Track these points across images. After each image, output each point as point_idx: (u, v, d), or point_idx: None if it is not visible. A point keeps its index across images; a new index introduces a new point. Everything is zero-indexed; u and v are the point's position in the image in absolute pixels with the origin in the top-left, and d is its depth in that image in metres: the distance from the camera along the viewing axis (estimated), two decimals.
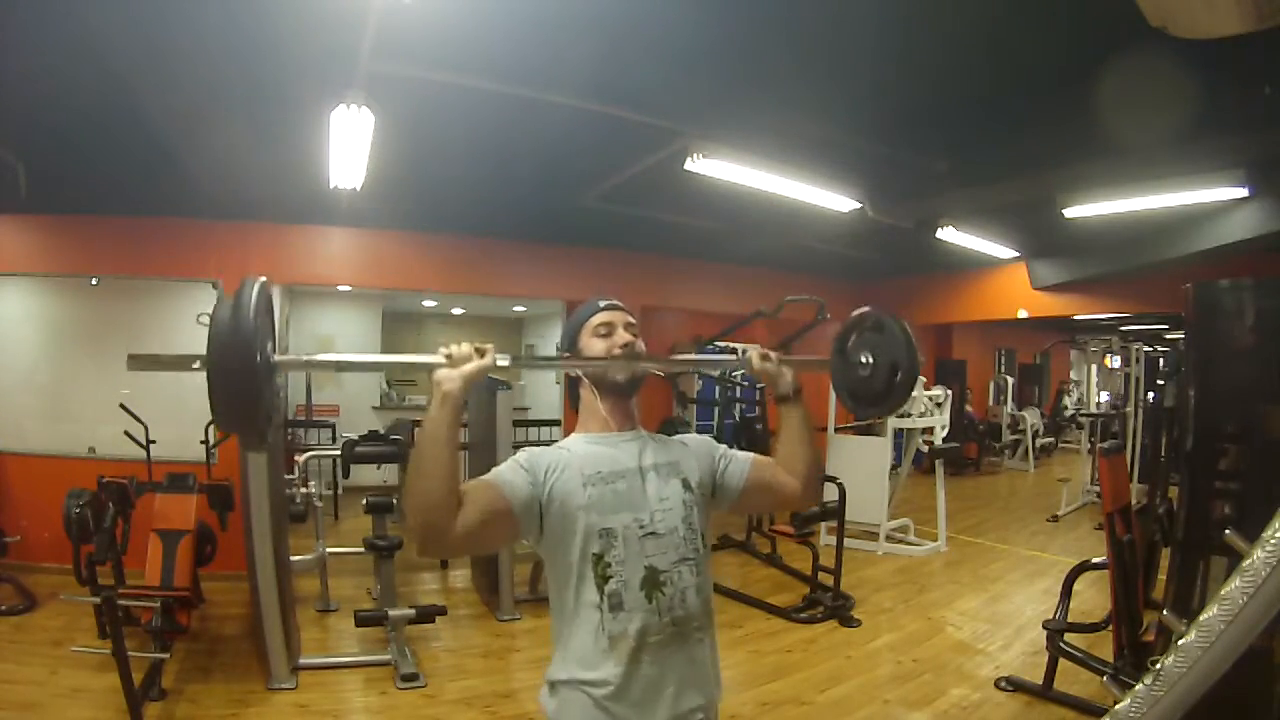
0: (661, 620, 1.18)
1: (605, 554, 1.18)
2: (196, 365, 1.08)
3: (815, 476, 1.41)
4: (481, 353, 1.17)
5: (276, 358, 1.18)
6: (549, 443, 1.35)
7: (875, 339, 1.50)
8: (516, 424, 5.59)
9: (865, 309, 1.54)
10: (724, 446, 1.42)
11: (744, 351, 1.41)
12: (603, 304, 1.38)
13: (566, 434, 1.39)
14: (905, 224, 4.55)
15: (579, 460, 1.24)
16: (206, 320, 1.09)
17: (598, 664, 1.17)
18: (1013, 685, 3.26)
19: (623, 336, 1.33)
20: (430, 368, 1.15)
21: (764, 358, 1.40)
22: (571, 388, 1.38)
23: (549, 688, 1.23)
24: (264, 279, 1.14)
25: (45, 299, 4.78)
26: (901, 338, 1.44)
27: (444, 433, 1.11)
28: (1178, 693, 1.43)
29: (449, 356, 1.15)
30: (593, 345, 1.33)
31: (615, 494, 1.22)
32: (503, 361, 1.20)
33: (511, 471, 1.20)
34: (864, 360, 1.51)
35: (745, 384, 6.75)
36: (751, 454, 1.42)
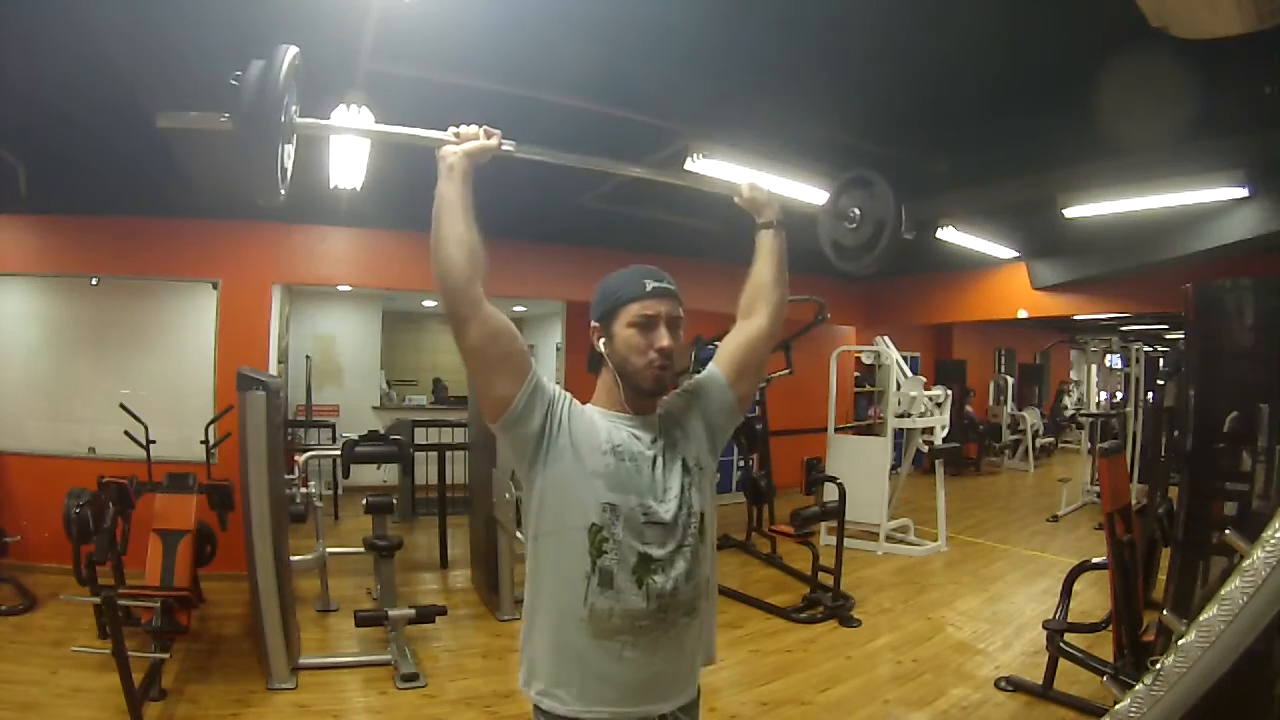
0: (649, 606, 1.16)
1: (605, 528, 1.16)
2: (224, 118, 1.16)
3: (781, 306, 1.44)
4: (489, 135, 1.22)
5: (298, 120, 1.25)
6: None
7: (864, 197, 1.62)
8: None
9: (856, 172, 1.65)
10: (699, 382, 1.39)
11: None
12: (650, 286, 1.24)
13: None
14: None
15: (602, 428, 1.23)
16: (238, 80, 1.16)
17: (575, 633, 1.16)
18: (1013, 685, 3.26)
19: (663, 339, 1.23)
20: (437, 143, 1.22)
21: (753, 187, 1.48)
22: (593, 359, 1.32)
23: (525, 662, 1.23)
24: (295, 48, 1.21)
25: (45, 299, 4.77)
26: (890, 198, 1.56)
27: (453, 199, 1.16)
28: (1178, 693, 1.43)
29: (457, 135, 1.22)
30: (628, 337, 1.23)
31: (627, 473, 1.20)
32: (508, 146, 1.26)
33: (546, 377, 1.24)
34: (851, 213, 1.64)
35: None
36: (711, 361, 1.43)
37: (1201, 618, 1.40)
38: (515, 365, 1.18)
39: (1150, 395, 7.14)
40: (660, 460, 1.24)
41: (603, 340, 1.28)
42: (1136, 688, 1.50)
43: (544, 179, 4.15)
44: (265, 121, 1.15)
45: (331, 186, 3.66)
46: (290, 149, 1.28)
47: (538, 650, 1.21)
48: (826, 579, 4.39)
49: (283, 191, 1.26)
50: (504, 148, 1.25)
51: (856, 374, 9.05)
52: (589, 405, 1.30)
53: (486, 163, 1.24)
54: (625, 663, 1.16)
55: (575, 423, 1.21)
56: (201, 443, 4.37)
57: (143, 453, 4.27)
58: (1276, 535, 1.34)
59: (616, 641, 1.15)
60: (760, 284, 1.43)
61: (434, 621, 3.64)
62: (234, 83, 1.15)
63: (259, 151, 1.16)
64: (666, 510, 1.21)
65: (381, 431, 5.04)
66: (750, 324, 1.41)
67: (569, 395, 1.25)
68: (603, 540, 1.16)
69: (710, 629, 1.31)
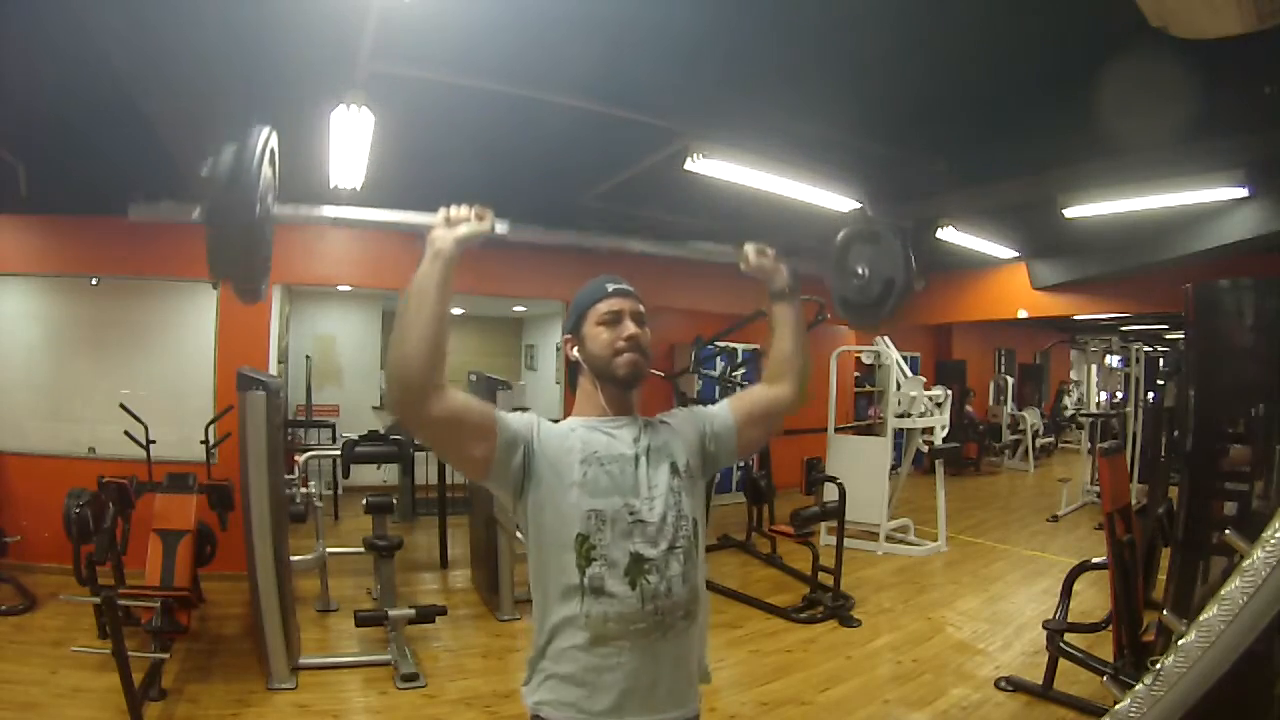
0: (644, 608, 1.15)
1: (591, 536, 1.16)
2: (196, 215, 1.08)
3: (805, 376, 1.41)
4: (481, 217, 1.16)
5: (275, 210, 1.18)
6: None
7: (872, 250, 1.54)
8: None
9: (863, 219, 1.58)
10: (706, 408, 1.41)
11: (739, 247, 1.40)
12: (611, 287, 1.31)
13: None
14: (905, 224, 4.55)
15: (577, 438, 1.23)
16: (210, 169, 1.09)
17: (576, 648, 1.16)
18: (1013, 685, 3.26)
19: (629, 329, 1.27)
20: (427, 227, 1.15)
21: (760, 253, 1.40)
22: (571, 372, 1.35)
23: (529, 670, 1.23)
24: (270, 129, 1.13)
25: (45, 299, 4.78)
26: (899, 250, 1.49)
27: (430, 287, 1.10)
28: (1178, 693, 1.43)
29: (447, 218, 1.15)
30: (597, 334, 1.28)
31: (609, 476, 1.20)
32: (501, 228, 1.18)
33: (510, 413, 1.22)
34: (860, 271, 1.56)
35: (745, 384, 6.74)
36: (726, 398, 1.42)
37: (1201, 618, 1.40)
38: (485, 429, 1.17)
39: (1150, 395, 7.15)
40: (645, 460, 1.24)
41: (576, 348, 1.32)
42: (1136, 688, 1.50)
43: (544, 179, 4.16)
44: (239, 217, 1.07)
45: (331, 186, 3.66)
46: (268, 239, 1.20)
47: (539, 659, 1.21)
48: (826, 579, 4.39)
49: (263, 288, 1.19)
50: (497, 230, 1.19)
51: (856, 374, 9.05)
52: (568, 418, 1.31)
53: (477, 246, 1.18)
54: (623, 669, 1.15)
55: (548, 442, 1.22)
56: (201, 443, 4.36)
57: (143, 453, 4.27)
58: (1276, 535, 1.34)
59: (613, 647, 1.15)
60: (781, 359, 1.41)
61: (434, 621, 3.65)
62: (204, 174, 1.09)
63: (234, 248, 1.09)
64: (652, 510, 1.20)
65: (381, 431, 5.04)
66: (775, 388, 1.41)
67: (536, 418, 1.25)
68: (590, 549, 1.16)
69: (704, 647, 1.30)
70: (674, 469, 1.26)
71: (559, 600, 1.17)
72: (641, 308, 1.32)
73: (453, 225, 1.15)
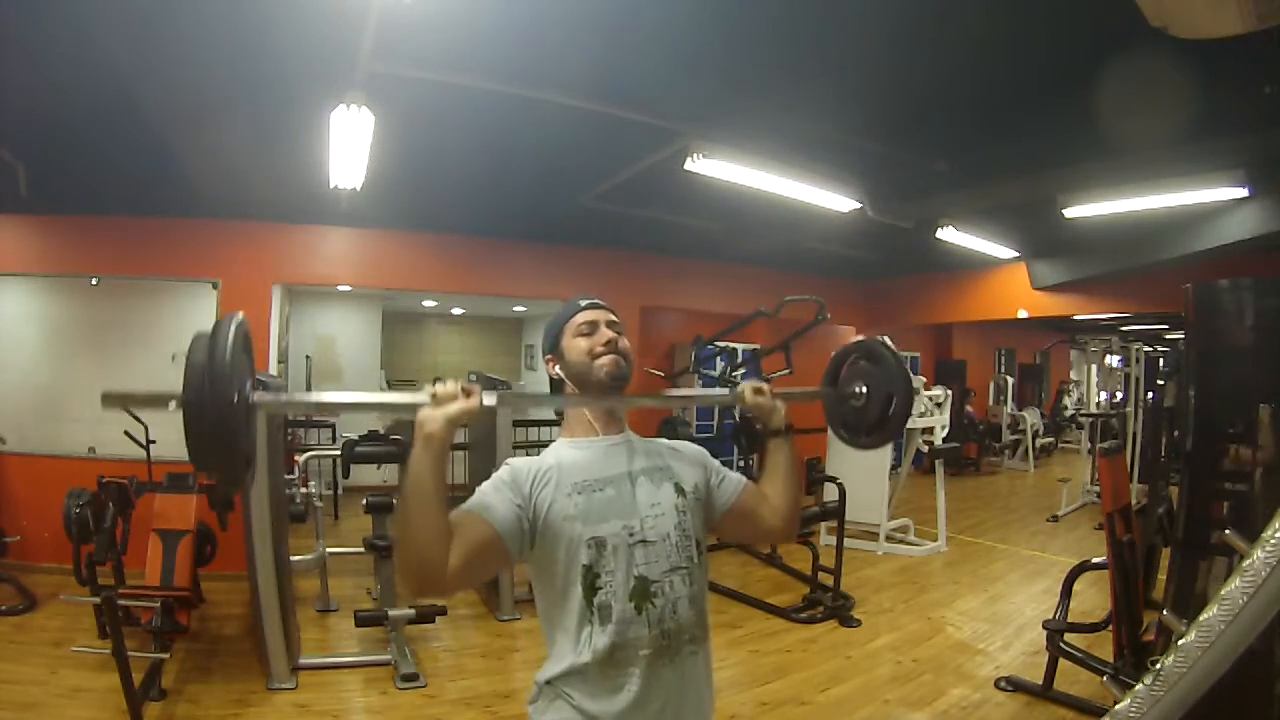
0: (651, 633, 1.15)
1: (594, 565, 1.15)
2: (172, 406, 1.03)
3: (795, 516, 1.39)
4: (468, 393, 1.11)
5: (255, 398, 1.13)
6: (548, 443, 1.33)
7: (868, 369, 1.53)
8: (516, 424, 5.59)
9: (857, 339, 1.57)
10: (717, 462, 1.40)
11: (738, 384, 1.39)
12: (584, 303, 1.35)
13: None
14: (905, 224, 4.56)
15: (565, 468, 1.21)
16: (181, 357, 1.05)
17: (583, 675, 1.15)
18: (1013, 685, 3.26)
19: (605, 335, 1.29)
20: (414, 408, 1.11)
21: (757, 391, 1.37)
22: (555, 392, 1.36)
23: (536, 690, 1.22)
24: (241, 315, 1.11)
25: (45, 299, 4.78)
26: (895, 367, 1.47)
27: (429, 479, 1.06)
28: (1178, 693, 1.42)
29: (434, 396, 1.10)
30: (575, 345, 1.30)
31: (604, 501, 1.19)
32: (489, 401, 1.14)
33: (495, 493, 1.17)
34: (857, 391, 1.54)
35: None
36: (744, 479, 1.40)
37: (1201, 618, 1.40)
38: (495, 546, 1.14)
39: (1150, 395, 7.14)
40: (645, 479, 1.24)
41: (557, 365, 1.33)
42: (1136, 688, 1.50)
43: (543, 179, 4.15)
44: (217, 411, 1.03)
45: (331, 186, 3.66)
46: (252, 426, 1.16)
47: (547, 683, 1.19)
48: (826, 579, 4.39)
49: (249, 476, 1.16)
50: (486, 404, 1.14)
51: None
52: (557, 444, 1.30)
53: (466, 424, 1.14)
54: (631, 693, 1.14)
55: (538, 488, 1.19)
56: None
57: (143, 453, 4.27)
58: (1276, 535, 1.34)
59: (622, 673, 1.14)
60: (773, 494, 1.39)
61: (434, 621, 3.64)
62: (175, 361, 1.05)
63: (212, 445, 1.05)
64: (653, 528, 1.20)
65: (381, 431, 5.04)
66: (769, 517, 1.37)
67: (510, 471, 1.22)
68: (595, 577, 1.15)
69: (711, 671, 1.29)
70: (679, 489, 1.26)
71: (568, 630, 1.17)
72: (615, 318, 1.34)
73: (440, 403, 1.10)
